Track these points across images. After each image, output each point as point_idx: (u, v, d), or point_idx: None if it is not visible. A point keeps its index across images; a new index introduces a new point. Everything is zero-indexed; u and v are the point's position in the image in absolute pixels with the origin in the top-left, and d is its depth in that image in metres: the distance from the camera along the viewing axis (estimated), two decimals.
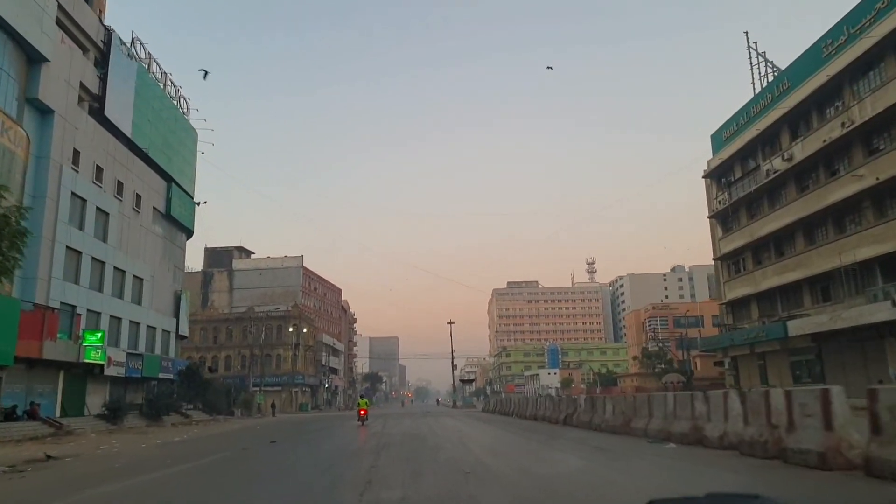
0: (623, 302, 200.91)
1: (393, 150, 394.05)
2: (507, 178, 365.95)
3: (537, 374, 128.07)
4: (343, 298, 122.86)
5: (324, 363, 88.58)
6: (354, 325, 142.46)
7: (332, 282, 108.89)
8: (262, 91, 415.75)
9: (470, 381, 75.29)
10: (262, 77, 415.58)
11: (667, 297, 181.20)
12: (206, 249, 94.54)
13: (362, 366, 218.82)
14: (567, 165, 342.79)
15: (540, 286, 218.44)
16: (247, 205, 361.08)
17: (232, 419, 48.03)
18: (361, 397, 36.00)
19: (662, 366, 63.97)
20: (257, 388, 64.16)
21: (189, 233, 47.36)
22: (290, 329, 76.76)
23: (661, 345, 69.13)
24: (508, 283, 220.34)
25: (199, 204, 47.51)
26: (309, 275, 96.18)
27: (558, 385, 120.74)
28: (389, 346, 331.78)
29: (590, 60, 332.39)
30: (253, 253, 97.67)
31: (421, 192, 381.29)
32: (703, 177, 51.47)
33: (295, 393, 77.26)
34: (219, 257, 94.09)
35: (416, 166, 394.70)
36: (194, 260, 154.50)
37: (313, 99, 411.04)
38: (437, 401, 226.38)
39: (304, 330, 78.38)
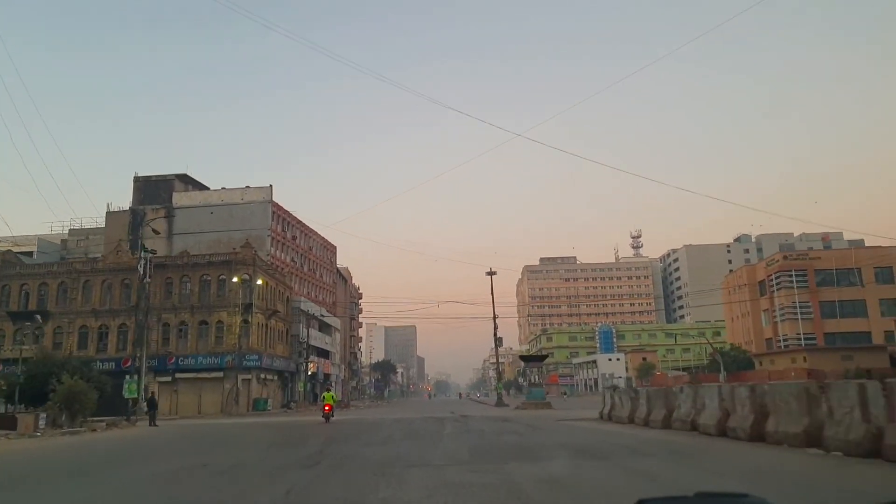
0: (678, 279, 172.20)
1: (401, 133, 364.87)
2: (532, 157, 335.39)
3: (594, 361, 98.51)
4: (341, 264, 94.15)
5: (301, 339, 59.84)
6: (359, 301, 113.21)
7: (316, 229, 79.92)
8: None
9: (540, 359, 44.82)
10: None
11: (731, 270, 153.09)
12: (137, 179, 66.19)
13: (371, 353, 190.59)
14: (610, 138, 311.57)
15: (578, 262, 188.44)
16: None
17: None
18: (328, 390, 33.37)
19: None
20: (147, 374, 35.63)
21: None
22: (235, 280, 48.02)
23: None
24: (541, 258, 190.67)
25: None
26: (282, 215, 67.39)
27: (625, 374, 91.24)
28: (406, 336, 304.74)
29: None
30: (206, 188, 69.01)
31: (440, 171, 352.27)
32: None
33: (246, 382, 48.61)
34: (153, 190, 65.69)
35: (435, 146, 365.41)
36: (121, 195, 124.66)
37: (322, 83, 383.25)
38: (460, 395, 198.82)
39: (260, 282, 49.51)
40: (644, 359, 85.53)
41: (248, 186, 65.24)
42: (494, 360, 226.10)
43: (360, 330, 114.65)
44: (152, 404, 28.10)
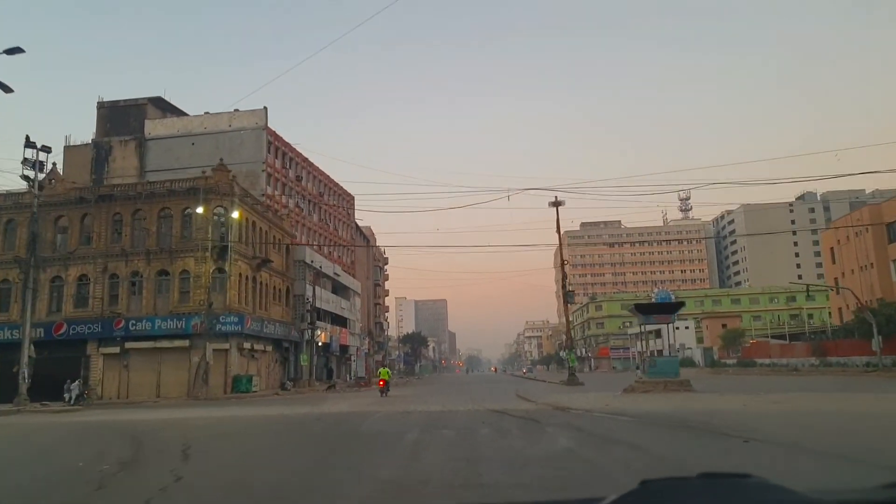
0: (733, 242, 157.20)
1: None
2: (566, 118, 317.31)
3: (657, 330, 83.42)
4: (361, 222, 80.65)
5: (307, 298, 46.51)
6: (384, 267, 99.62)
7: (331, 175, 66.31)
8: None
9: (673, 307, 28.67)
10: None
11: (794, 233, 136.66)
12: (101, 105, 53.21)
13: (401, 328, 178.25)
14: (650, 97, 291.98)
15: (624, 226, 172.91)
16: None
17: None
18: (383, 366, 37.24)
19: None
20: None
21: None
22: (200, 211, 34.54)
23: None
24: (582, 223, 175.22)
25: None
26: (282, 147, 53.91)
27: (697, 344, 76.71)
28: (437, 310, 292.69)
29: None
30: (185, 115, 55.65)
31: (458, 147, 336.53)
32: None
33: (222, 353, 35.37)
34: (122, 118, 52.70)
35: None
36: (82, 127, 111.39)
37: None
38: (494, 370, 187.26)
39: (236, 215, 35.97)
40: (724, 325, 70.60)
41: (236, 110, 51.73)
42: (529, 335, 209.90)
43: (385, 298, 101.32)
44: None
